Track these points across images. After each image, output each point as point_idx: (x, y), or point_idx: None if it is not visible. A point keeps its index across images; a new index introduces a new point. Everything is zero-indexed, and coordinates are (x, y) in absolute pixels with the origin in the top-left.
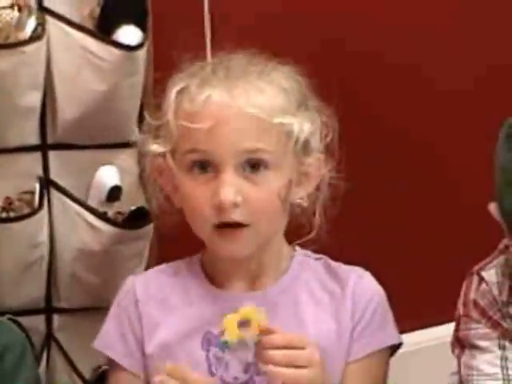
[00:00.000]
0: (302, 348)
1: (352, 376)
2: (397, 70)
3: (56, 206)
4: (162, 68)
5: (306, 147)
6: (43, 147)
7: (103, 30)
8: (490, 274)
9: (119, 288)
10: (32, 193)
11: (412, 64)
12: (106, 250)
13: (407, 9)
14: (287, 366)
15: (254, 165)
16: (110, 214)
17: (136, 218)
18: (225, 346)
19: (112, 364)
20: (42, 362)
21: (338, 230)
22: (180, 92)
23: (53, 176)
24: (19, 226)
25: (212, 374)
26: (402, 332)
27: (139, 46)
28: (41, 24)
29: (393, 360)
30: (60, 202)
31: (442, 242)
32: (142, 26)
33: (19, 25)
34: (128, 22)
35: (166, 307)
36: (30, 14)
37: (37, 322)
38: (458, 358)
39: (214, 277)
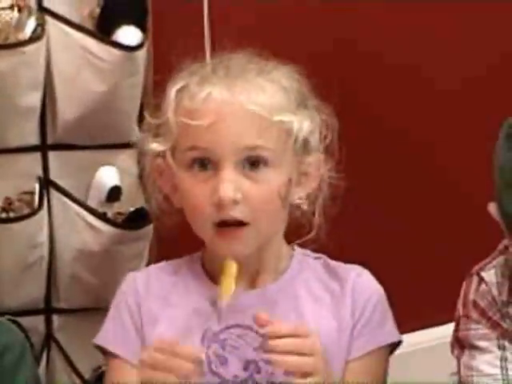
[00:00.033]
0: (306, 337)
1: (352, 374)
2: (397, 70)
3: (56, 207)
4: (162, 68)
5: (305, 146)
6: (43, 147)
7: (103, 30)
8: (490, 275)
9: (119, 287)
10: (32, 193)
11: (412, 64)
12: (105, 251)
13: (407, 9)
14: (291, 354)
15: (253, 162)
16: (110, 214)
17: (136, 219)
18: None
19: (111, 356)
20: (42, 362)
21: (338, 229)
22: (180, 90)
23: (53, 176)
24: (19, 227)
25: (212, 371)
26: (401, 332)
27: (139, 47)
28: (40, 24)
29: (393, 360)
30: (60, 203)
31: (442, 242)
32: (141, 26)
33: (19, 25)
34: (128, 22)
35: (166, 304)
36: (29, 14)
37: (36, 323)
38: (458, 359)
39: (214, 275)
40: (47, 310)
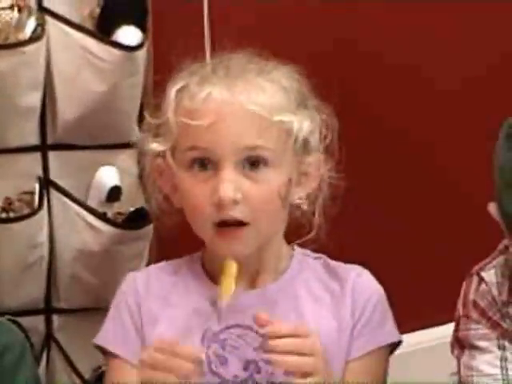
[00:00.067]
0: (306, 337)
1: (352, 374)
2: (397, 70)
3: (56, 207)
4: (162, 68)
5: (305, 146)
6: (43, 147)
7: (103, 30)
8: (490, 275)
9: (119, 287)
10: (32, 193)
11: (412, 64)
12: (105, 251)
13: (407, 9)
14: (291, 354)
15: (253, 162)
16: (110, 214)
17: (136, 219)
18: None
19: (111, 356)
20: (42, 362)
21: (338, 229)
22: (180, 90)
23: (53, 176)
24: (19, 227)
25: (212, 371)
26: (401, 332)
27: (139, 47)
28: (40, 24)
29: (393, 360)
30: (60, 203)
31: (442, 242)
32: (141, 26)
33: (19, 25)
34: (128, 22)
35: (166, 304)
36: (29, 14)
37: (36, 323)
38: (458, 359)
39: (214, 275)
40: (47, 309)
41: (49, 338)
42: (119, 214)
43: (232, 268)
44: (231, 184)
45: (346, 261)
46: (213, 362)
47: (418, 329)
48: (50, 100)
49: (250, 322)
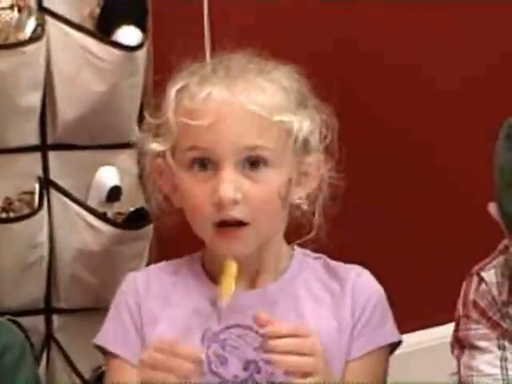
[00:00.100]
0: (306, 336)
1: (352, 374)
2: (397, 70)
3: (56, 207)
4: (162, 69)
5: (305, 146)
6: (43, 147)
7: (103, 30)
8: (490, 275)
9: (119, 287)
10: (32, 193)
11: (412, 64)
12: (105, 251)
13: (407, 9)
14: (291, 354)
15: (253, 162)
16: (110, 214)
17: (136, 219)
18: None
19: (111, 355)
20: (42, 362)
21: (338, 229)
22: (180, 90)
23: (52, 176)
24: (19, 227)
25: (212, 371)
26: (402, 332)
27: (139, 47)
28: (40, 24)
29: (393, 360)
30: (60, 203)
31: (442, 242)
32: (141, 26)
33: (19, 25)
34: (128, 22)
35: (166, 304)
36: (29, 14)
37: (36, 323)
38: (458, 359)
39: (214, 275)
40: (47, 309)
41: (49, 338)
42: (119, 214)
43: (232, 268)
44: (231, 184)
45: (346, 261)
46: (213, 361)
47: (418, 329)
48: (49, 100)
49: (250, 322)
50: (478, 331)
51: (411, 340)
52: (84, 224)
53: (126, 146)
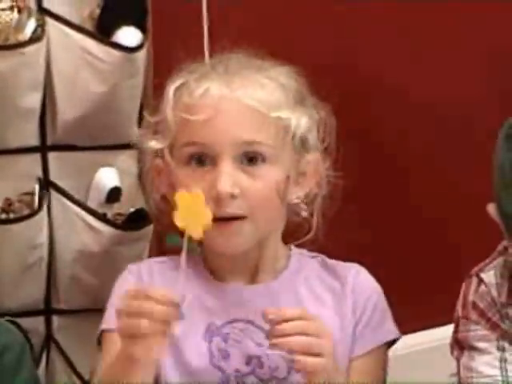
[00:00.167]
0: (312, 319)
1: (355, 373)
2: (397, 69)
3: (56, 208)
4: (162, 69)
5: (303, 144)
6: (43, 148)
7: (103, 31)
8: (489, 276)
9: (119, 276)
10: (32, 194)
11: (412, 64)
12: (105, 252)
13: (407, 9)
14: (299, 335)
15: (251, 158)
16: (110, 215)
17: (135, 220)
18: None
19: (109, 331)
20: (42, 363)
21: (337, 230)
22: (179, 88)
23: (52, 177)
24: (19, 228)
25: (214, 365)
26: (401, 333)
27: (139, 48)
28: (40, 25)
29: (393, 361)
30: (59, 204)
31: (441, 243)
32: (141, 27)
33: (19, 26)
34: (128, 23)
35: None
36: (29, 15)
37: (36, 324)
38: (457, 360)
39: (214, 271)
40: (47, 310)
41: (49, 338)
42: (119, 214)
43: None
44: (229, 179)
45: (345, 261)
46: (215, 355)
47: (417, 330)
48: (49, 101)
49: (253, 317)
50: (478, 332)
51: (411, 341)
52: (84, 225)
53: (126, 146)
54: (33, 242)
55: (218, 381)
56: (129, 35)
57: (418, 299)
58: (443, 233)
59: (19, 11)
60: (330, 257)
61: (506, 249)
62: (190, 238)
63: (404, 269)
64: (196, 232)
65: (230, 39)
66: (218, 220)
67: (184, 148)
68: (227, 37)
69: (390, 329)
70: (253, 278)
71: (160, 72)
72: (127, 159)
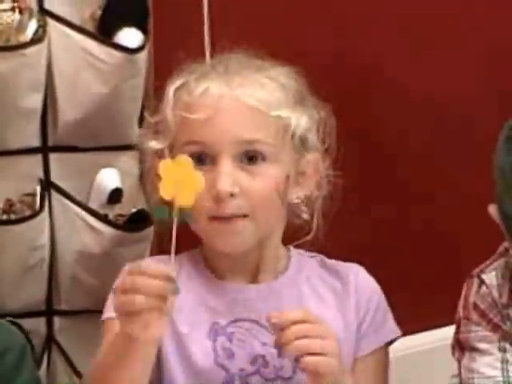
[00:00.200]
0: (316, 322)
1: (360, 372)
2: (396, 70)
3: (57, 208)
4: (163, 70)
5: (303, 144)
6: (44, 149)
7: (104, 32)
8: (490, 277)
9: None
10: (33, 195)
11: (411, 64)
12: (106, 253)
13: (407, 10)
14: (303, 338)
15: (251, 157)
16: (111, 216)
17: (137, 221)
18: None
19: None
20: (43, 364)
21: (337, 231)
22: (179, 88)
23: (54, 178)
24: (20, 229)
25: (219, 365)
26: (402, 334)
27: (140, 49)
28: (42, 26)
29: (394, 362)
30: (61, 204)
31: (442, 244)
32: (142, 28)
33: (20, 27)
34: (129, 24)
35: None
36: (30, 16)
37: (38, 325)
38: (459, 361)
39: (214, 270)
40: (48, 311)
41: (50, 339)
42: (120, 215)
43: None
44: (229, 177)
45: (345, 261)
46: (220, 354)
47: (418, 331)
48: (50, 102)
49: (257, 316)
50: (479, 333)
51: (412, 342)
52: (85, 226)
53: (127, 147)
54: (34, 243)
55: (223, 380)
56: (130, 36)
57: (418, 300)
58: (444, 233)
59: (20, 12)
60: (330, 257)
61: (506, 250)
62: (181, 210)
63: (404, 269)
64: (186, 200)
65: (231, 39)
66: (218, 219)
67: (184, 147)
68: (227, 37)
69: (392, 328)
70: (254, 277)
71: (161, 73)
72: (128, 160)
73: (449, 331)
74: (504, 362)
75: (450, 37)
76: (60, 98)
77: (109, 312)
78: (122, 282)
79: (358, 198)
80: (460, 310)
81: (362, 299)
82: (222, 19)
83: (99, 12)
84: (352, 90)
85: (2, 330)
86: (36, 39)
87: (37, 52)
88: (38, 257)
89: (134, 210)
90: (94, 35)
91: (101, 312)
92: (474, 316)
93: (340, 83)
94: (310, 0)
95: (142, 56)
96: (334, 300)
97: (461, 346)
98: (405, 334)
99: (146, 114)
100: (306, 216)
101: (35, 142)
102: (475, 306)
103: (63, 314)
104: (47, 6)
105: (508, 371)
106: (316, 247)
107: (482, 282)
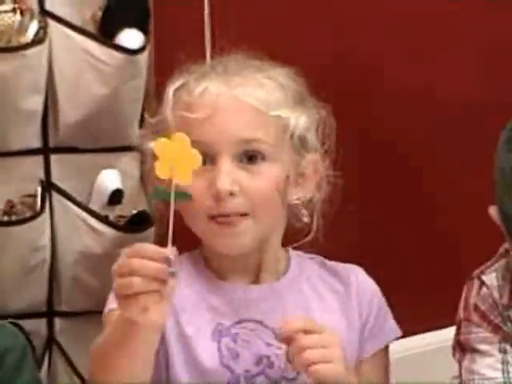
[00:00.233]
0: (320, 332)
1: (365, 372)
2: (397, 70)
3: (58, 210)
4: (164, 71)
5: (302, 144)
6: (45, 150)
7: (105, 33)
8: (491, 278)
9: None
10: (34, 196)
11: (411, 63)
12: (107, 254)
13: (406, 13)
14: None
15: (251, 156)
16: (112, 217)
17: (137, 222)
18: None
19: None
20: (44, 365)
21: (336, 231)
22: (178, 89)
23: (54, 179)
24: (21, 230)
25: (224, 365)
26: (403, 336)
27: (141, 50)
28: (43, 27)
29: (394, 363)
30: (62, 206)
31: (443, 246)
32: (143, 29)
33: (21, 28)
34: (130, 25)
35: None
36: (31, 17)
37: (38, 326)
38: (459, 362)
39: (215, 270)
40: (49, 313)
41: (51, 340)
42: (121, 216)
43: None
44: (228, 176)
45: (345, 262)
46: (225, 355)
47: (419, 332)
48: (51, 103)
49: (261, 317)
50: (479, 335)
51: (412, 343)
52: (86, 227)
53: (128, 148)
54: (35, 244)
55: (228, 381)
56: (131, 37)
57: (419, 301)
58: (444, 233)
59: (21, 13)
60: (330, 258)
61: (507, 251)
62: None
63: (404, 270)
64: (184, 177)
65: (231, 40)
66: (218, 219)
67: None
68: (228, 38)
69: (393, 327)
70: (255, 278)
71: (162, 74)
72: (129, 161)
73: (449, 332)
74: (504, 363)
75: (449, 37)
76: (61, 99)
77: (110, 304)
78: (120, 264)
79: (357, 198)
80: (460, 311)
81: (363, 301)
82: (222, 20)
83: (100, 13)
84: (352, 90)
85: (3, 331)
86: (37, 40)
87: (38, 53)
88: (39, 258)
89: (134, 211)
90: (94, 36)
91: (102, 313)
92: (475, 317)
93: (340, 83)
94: (309, 0)
95: (143, 57)
96: (335, 301)
97: (461, 348)
98: (405, 335)
99: (146, 115)
100: (306, 219)
101: (36, 143)
102: (476, 308)
103: (64, 315)
104: (48, 7)
105: (509, 372)
106: (316, 248)
107: (482, 283)
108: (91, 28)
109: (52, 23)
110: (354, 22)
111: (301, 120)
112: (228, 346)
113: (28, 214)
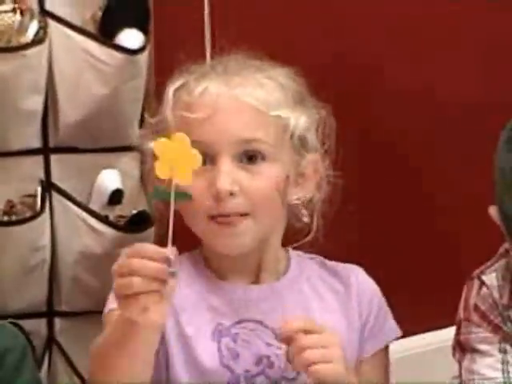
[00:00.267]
0: (319, 332)
1: (365, 372)
2: (397, 70)
3: (58, 210)
4: (164, 72)
5: (302, 144)
6: (45, 150)
7: (105, 33)
8: (491, 278)
9: None
10: (34, 196)
11: (411, 63)
12: (107, 254)
13: (406, 13)
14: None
15: (251, 156)
16: (112, 217)
17: (137, 222)
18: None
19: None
20: (44, 365)
21: (336, 231)
22: (178, 89)
23: (54, 179)
24: (21, 230)
25: (224, 365)
26: (403, 336)
27: (141, 50)
28: (43, 27)
29: (395, 363)
30: (62, 206)
31: (443, 244)
32: (143, 29)
33: (21, 28)
34: (130, 25)
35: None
36: (31, 17)
37: (38, 326)
38: (459, 362)
39: (215, 270)
40: (49, 313)
41: (51, 341)
42: (121, 216)
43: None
44: (228, 176)
45: (345, 262)
46: (225, 355)
47: (419, 332)
48: (51, 103)
49: (261, 317)
50: (479, 335)
51: (413, 343)
52: (86, 227)
53: (128, 148)
54: (35, 244)
55: (228, 381)
56: (131, 37)
57: (419, 301)
58: (444, 234)
59: (21, 13)
60: (330, 258)
61: (507, 251)
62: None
63: (404, 270)
64: (184, 177)
65: (231, 40)
66: (218, 219)
67: None
68: (228, 38)
69: (393, 327)
70: (255, 278)
71: (162, 74)
72: (129, 161)
73: (449, 332)
74: (504, 363)
75: (449, 37)
76: (61, 99)
77: (110, 304)
78: (119, 264)
79: (357, 198)
80: (460, 311)
81: (363, 301)
82: (222, 20)
83: (100, 13)
84: (352, 90)
85: (3, 331)
86: (37, 40)
87: (38, 53)
88: (39, 258)
89: (134, 212)
90: (94, 36)
91: (102, 313)
92: (475, 317)
93: (340, 83)
94: (310, 0)
95: (143, 57)
96: (335, 301)
97: (461, 348)
98: (405, 335)
99: (146, 115)
100: (306, 219)
101: (36, 144)
102: (476, 308)
103: (64, 315)
104: (48, 7)
105: (509, 372)
106: (316, 248)
107: (482, 283)
108: (91, 28)
109: (52, 23)
110: (353, 22)
111: (301, 120)
112: (228, 345)
113: (28, 214)
